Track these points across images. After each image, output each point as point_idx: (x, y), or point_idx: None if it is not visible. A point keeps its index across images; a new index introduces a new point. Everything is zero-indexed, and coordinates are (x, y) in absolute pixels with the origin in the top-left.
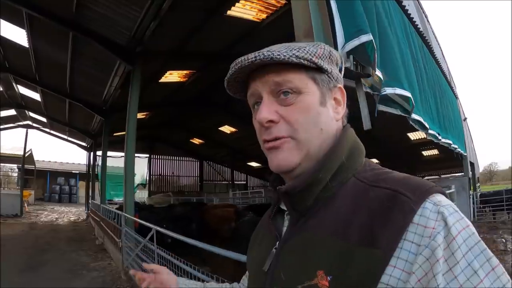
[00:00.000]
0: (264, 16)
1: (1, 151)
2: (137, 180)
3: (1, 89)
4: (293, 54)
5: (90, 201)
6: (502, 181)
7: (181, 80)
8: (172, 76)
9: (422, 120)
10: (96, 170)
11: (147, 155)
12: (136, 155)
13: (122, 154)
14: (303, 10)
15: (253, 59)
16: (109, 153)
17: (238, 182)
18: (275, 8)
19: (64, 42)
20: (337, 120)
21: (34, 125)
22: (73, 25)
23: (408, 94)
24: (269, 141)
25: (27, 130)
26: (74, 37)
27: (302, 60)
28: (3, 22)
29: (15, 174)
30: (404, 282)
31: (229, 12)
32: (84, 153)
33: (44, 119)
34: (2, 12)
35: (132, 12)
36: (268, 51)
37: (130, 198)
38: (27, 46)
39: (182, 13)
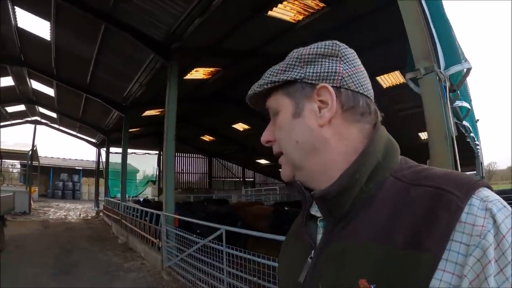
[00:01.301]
0: (300, 17)
1: (4, 147)
2: (140, 176)
3: (13, 83)
4: (260, 84)
5: (104, 198)
6: (501, 181)
7: (205, 77)
8: (198, 73)
9: (468, 125)
10: (101, 166)
11: (157, 152)
12: (146, 151)
13: (133, 150)
14: (420, 35)
15: (248, 97)
16: (116, 150)
17: (246, 179)
18: (312, 11)
19: (94, 35)
20: (322, 126)
21: (43, 120)
22: (108, 18)
23: (467, 105)
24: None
25: (35, 126)
26: (105, 30)
27: (265, 86)
28: (24, 13)
29: (15, 170)
30: (455, 287)
31: (270, 12)
32: (92, 149)
33: (54, 115)
34: (24, 3)
35: (176, 7)
36: (254, 85)
37: (170, 197)
38: (49, 39)
39: (228, 10)
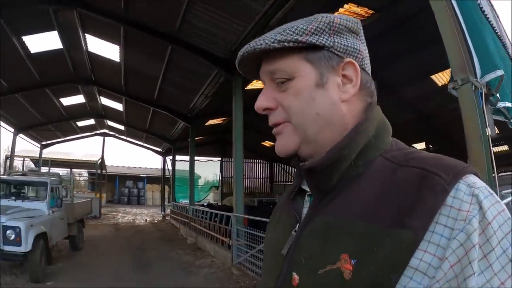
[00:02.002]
0: None
1: (74, 158)
2: (201, 182)
3: (84, 100)
4: (275, 39)
5: (171, 203)
6: None
7: (263, 86)
8: (258, 83)
9: None
10: (167, 174)
11: (219, 158)
12: (209, 158)
13: (197, 157)
14: (457, 48)
15: (242, 54)
16: (180, 157)
17: None
18: (363, 18)
19: (161, 55)
20: (344, 101)
21: (111, 132)
22: (174, 40)
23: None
24: (273, 127)
25: (104, 138)
26: (171, 50)
27: (285, 44)
28: (94, 39)
29: (82, 179)
30: (435, 268)
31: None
32: (157, 158)
33: (121, 127)
34: (95, 31)
35: (237, 26)
36: (255, 40)
37: (240, 200)
38: (118, 60)
39: (291, 19)
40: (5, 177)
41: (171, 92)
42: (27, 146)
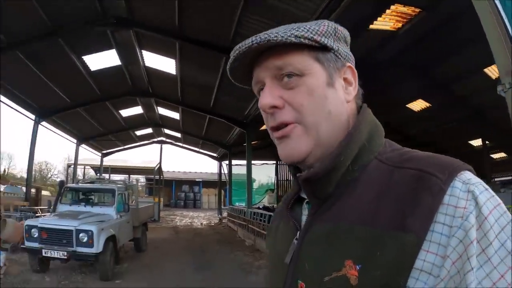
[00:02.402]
0: (400, 25)
1: (133, 165)
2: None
3: (142, 111)
4: (292, 34)
5: (228, 206)
6: None
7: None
8: None
9: None
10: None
11: (274, 162)
12: (263, 162)
13: (252, 161)
14: (503, 53)
15: (250, 44)
16: (235, 162)
17: None
18: (410, 17)
19: (216, 66)
20: (348, 102)
21: (167, 140)
22: (228, 51)
23: None
24: (277, 129)
25: (161, 145)
26: (226, 60)
27: (302, 40)
28: (151, 54)
29: (139, 184)
30: (438, 267)
31: (371, 26)
32: (213, 163)
33: (178, 135)
34: (151, 47)
35: None
36: (265, 33)
37: None
38: (175, 73)
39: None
40: (74, 185)
41: (226, 100)
42: (87, 155)
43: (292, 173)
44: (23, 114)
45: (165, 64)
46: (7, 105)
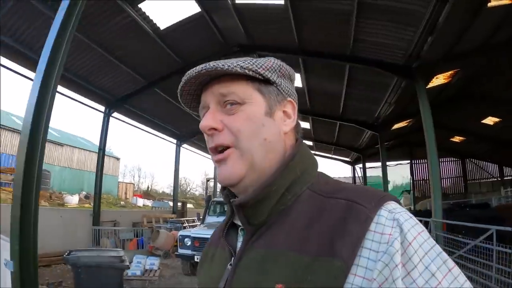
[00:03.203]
0: None
1: None
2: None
3: (300, 132)
4: (238, 65)
5: None
6: None
7: (445, 81)
8: (438, 80)
9: None
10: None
11: (408, 161)
12: (397, 162)
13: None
14: None
15: (200, 69)
16: (369, 164)
17: (505, 178)
18: None
19: (341, 74)
20: (286, 133)
21: None
22: (351, 58)
23: None
24: (215, 153)
25: None
26: (350, 68)
27: (246, 71)
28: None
29: None
30: None
31: (489, 4)
32: (346, 167)
33: (310, 143)
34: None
35: (407, 34)
36: (215, 63)
37: (438, 204)
38: (301, 85)
39: (452, 21)
40: (219, 198)
41: (355, 105)
42: None
43: (226, 200)
44: (167, 140)
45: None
46: (154, 134)
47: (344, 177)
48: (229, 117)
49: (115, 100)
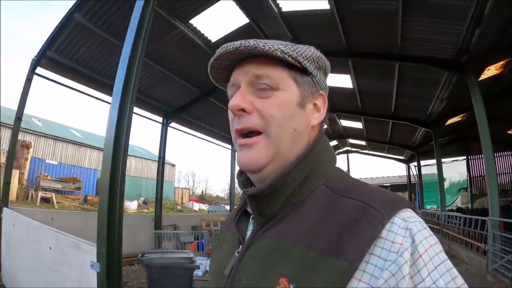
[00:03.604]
0: None
1: None
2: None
3: (326, 126)
4: (279, 48)
5: (420, 210)
6: None
7: (497, 72)
8: (489, 72)
9: None
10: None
11: (464, 157)
12: (453, 158)
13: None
14: None
15: (238, 45)
16: (423, 162)
17: None
18: None
19: (390, 73)
20: (313, 127)
21: (353, 149)
22: (399, 57)
23: None
24: (241, 136)
25: (347, 155)
26: (399, 67)
27: (286, 56)
28: (332, 75)
29: None
30: None
31: None
32: (400, 166)
33: (363, 143)
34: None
35: (454, 28)
36: (254, 41)
37: (495, 202)
38: (352, 86)
39: (500, 11)
40: None
41: (407, 103)
42: None
43: (241, 187)
44: (222, 146)
45: (341, 80)
46: (209, 141)
47: (399, 176)
48: (260, 101)
49: (172, 111)
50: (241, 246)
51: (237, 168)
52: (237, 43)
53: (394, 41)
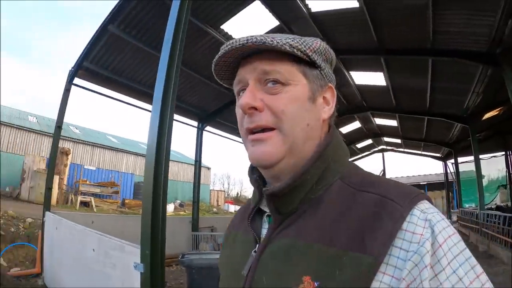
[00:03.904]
0: None
1: None
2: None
3: (360, 125)
4: (287, 42)
5: (459, 209)
6: None
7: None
8: None
9: None
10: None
11: (503, 153)
12: (491, 155)
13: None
14: None
15: (245, 41)
16: (461, 159)
17: None
18: None
19: (424, 69)
20: (324, 120)
21: (388, 148)
22: (432, 52)
23: None
24: (253, 132)
25: (383, 154)
26: (433, 62)
27: (295, 50)
28: (358, 73)
29: None
30: None
31: None
32: (437, 163)
33: (398, 141)
34: (359, 67)
35: (486, 19)
36: (261, 36)
37: None
38: (385, 84)
39: None
40: None
41: (442, 98)
42: None
43: (255, 184)
44: None
45: (374, 78)
46: (242, 143)
47: (436, 174)
48: (271, 97)
49: (206, 115)
50: (257, 245)
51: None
52: (243, 39)
53: (426, 36)
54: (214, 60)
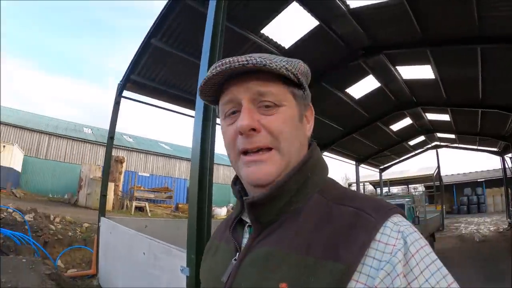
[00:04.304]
0: None
1: (409, 175)
2: None
3: (411, 122)
4: (283, 66)
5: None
6: None
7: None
8: None
9: None
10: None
11: None
12: None
13: None
14: None
15: (245, 62)
16: None
17: None
18: None
19: (473, 59)
20: (307, 138)
21: (442, 144)
22: (479, 39)
23: None
24: (251, 153)
25: (436, 150)
26: (482, 50)
27: (290, 74)
28: (405, 68)
29: (417, 193)
30: None
31: None
32: (495, 158)
33: (452, 136)
34: (405, 61)
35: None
36: (260, 57)
37: None
38: (433, 77)
39: None
40: None
41: (495, 88)
42: (365, 172)
43: (237, 195)
44: None
45: (422, 71)
46: None
47: (494, 170)
48: (266, 118)
49: None
50: (238, 254)
51: None
52: (242, 59)
53: (471, 22)
54: (206, 76)
